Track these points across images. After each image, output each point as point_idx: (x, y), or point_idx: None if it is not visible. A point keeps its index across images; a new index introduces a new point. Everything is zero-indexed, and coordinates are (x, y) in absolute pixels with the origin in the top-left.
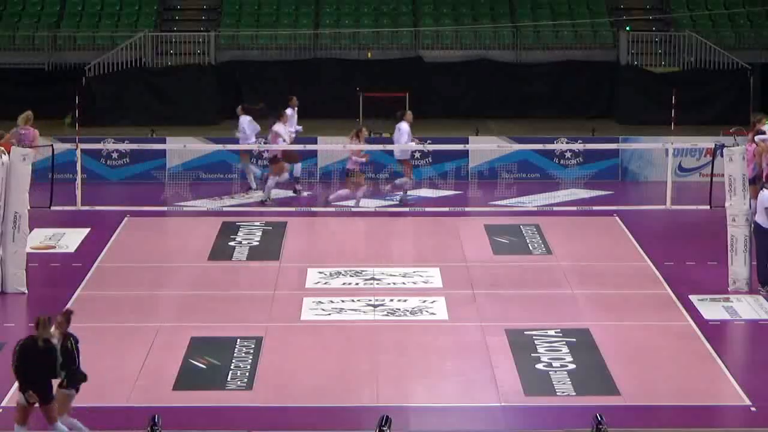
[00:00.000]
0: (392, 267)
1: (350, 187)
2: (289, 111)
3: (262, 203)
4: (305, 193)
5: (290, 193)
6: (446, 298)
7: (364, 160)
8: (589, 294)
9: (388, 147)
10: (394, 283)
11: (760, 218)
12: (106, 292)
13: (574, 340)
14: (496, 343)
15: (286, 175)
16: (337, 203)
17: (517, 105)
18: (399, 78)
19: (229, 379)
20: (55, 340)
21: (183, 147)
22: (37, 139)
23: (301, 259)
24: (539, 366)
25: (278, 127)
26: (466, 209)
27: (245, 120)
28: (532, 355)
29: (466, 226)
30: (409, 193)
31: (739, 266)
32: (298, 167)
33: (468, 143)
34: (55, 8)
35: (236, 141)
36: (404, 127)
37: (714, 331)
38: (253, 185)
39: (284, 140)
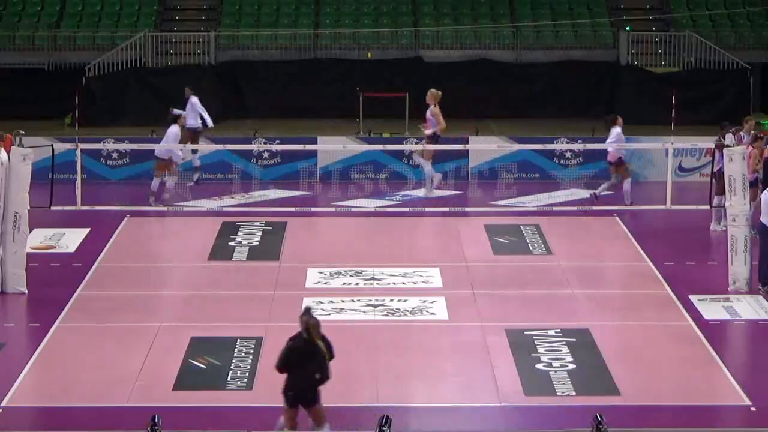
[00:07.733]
0: (392, 267)
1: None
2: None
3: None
4: (305, 193)
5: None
6: (446, 298)
7: None
8: (589, 294)
9: (388, 147)
10: (394, 283)
11: (765, 218)
12: (106, 292)
13: (574, 340)
14: (496, 343)
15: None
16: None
17: (517, 105)
18: (399, 78)
19: (229, 379)
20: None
21: (183, 147)
22: None
23: (301, 259)
24: (539, 366)
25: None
26: (466, 209)
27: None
28: (532, 355)
29: (466, 226)
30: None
31: (739, 266)
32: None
33: (468, 143)
34: (55, 8)
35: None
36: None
37: (714, 331)
38: None
39: None
